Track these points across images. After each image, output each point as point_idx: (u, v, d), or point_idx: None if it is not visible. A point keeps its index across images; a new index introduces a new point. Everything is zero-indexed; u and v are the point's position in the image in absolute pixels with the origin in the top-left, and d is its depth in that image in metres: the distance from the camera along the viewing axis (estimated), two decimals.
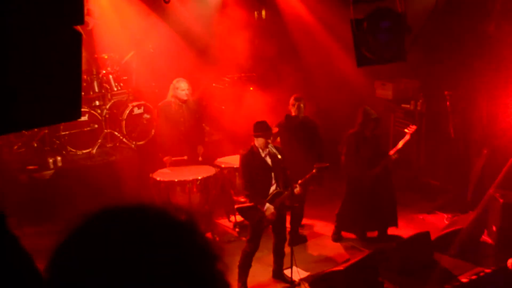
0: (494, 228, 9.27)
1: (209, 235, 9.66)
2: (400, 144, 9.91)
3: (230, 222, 10.43)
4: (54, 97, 4.55)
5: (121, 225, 1.33)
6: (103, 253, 1.28)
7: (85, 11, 11.11)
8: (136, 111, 11.86)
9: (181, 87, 10.09)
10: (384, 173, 9.87)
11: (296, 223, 9.65)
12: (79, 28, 4.77)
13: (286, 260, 8.65)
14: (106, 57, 11.95)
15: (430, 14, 8.82)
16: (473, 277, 7.97)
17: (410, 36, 7.88)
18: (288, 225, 8.47)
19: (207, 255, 1.35)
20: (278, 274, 8.80)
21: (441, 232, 9.66)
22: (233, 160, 9.89)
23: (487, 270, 7.99)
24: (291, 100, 10.00)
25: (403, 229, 10.16)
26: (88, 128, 11.43)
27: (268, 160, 8.47)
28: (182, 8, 12.32)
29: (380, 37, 7.27)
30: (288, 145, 9.68)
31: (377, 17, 7.31)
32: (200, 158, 10.25)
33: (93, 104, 11.66)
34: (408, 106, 12.26)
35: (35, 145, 11.30)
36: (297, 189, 8.40)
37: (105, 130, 11.67)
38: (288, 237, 8.77)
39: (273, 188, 8.45)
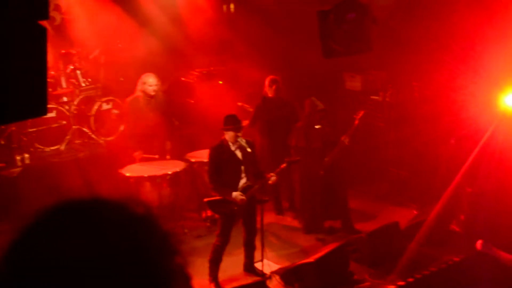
0: (462, 217, 9.40)
1: (179, 229, 9.66)
2: (351, 129, 9.96)
3: (200, 216, 10.44)
4: (19, 94, 4.52)
5: (76, 219, 1.31)
6: (57, 248, 1.26)
7: (52, 6, 11.11)
8: (105, 106, 11.79)
9: (149, 83, 10.08)
10: (334, 161, 9.92)
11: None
12: (44, 23, 4.75)
13: (257, 254, 8.69)
14: (73, 52, 11.86)
15: (396, 5, 8.89)
16: (442, 265, 8.09)
17: (376, 27, 7.94)
18: (258, 218, 8.49)
19: (165, 248, 1.34)
20: (249, 268, 8.83)
21: (410, 222, 9.76)
22: (203, 155, 9.85)
23: (456, 259, 8.11)
24: (267, 82, 10.16)
25: (373, 220, 10.25)
26: (56, 125, 11.35)
27: (238, 153, 8.50)
28: (150, 2, 12.27)
29: (346, 28, 7.33)
30: (267, 126, 9.83)
31: (343, 8, 7.37)
32: (168, 156, 10.24)
33: (61, 100, 11.57)
34: (377, 97, 12.34)
35: (2, 142, 11.17)
36: (273, 178, 8.44)
37: (73, 127, 11.59)
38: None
39: (243, 181, 8.47)
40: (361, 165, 12.26)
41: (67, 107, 11.54)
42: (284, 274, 8.52)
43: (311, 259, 8.40)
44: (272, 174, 8.51)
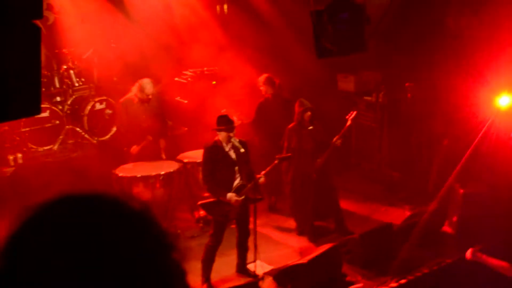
0: (454, 219, 9.40)
1: (172, 230, 9.64)
2: (343, 130, 9.97)
3: (193, 217, 10.42)
4: (13, 93, 4.51)
5: (74, 212, 1.31)
6: (55, 242, 1.26)
7: (45, 6, 11.07)
8: (98, 106, 11.78)
9: (147, 90, 10.03)
10: (326, 162, 9.94)
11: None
12: (38, 22, 4.74)
13: (250, 254, 8.68)
14: (67, 52, 11.84)
15: (389, 5, 8.90)
16: (435, 267, 8.10)
17: (369, 27, 7.95)
18: (251, 219, 8.49)
19: (161, 243, 1.35)
20: (241, 269, 8.82)
21: (403, 223, 9.77)
22: (196, 155, 9.85)
23: (448, 260, 8.13)
24: (264, 80, 10.30)
25: (366, 221, 10.26)
26: (49, 124, 11.31)
27: (232, 154, 8.50)
28: (144, 2, 12.25)
29: (340, 28, 7.33)
30: (270, 125, 10.24)
31: (336, 8, 7.37)
32: (163, 156, 10.24)
33: (54, 100, 11.54)
34: (370, 98, 12.36)
35: None
36: (262, 179, 8.45)
37: (67, 126, 11.57)
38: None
39: (237, 181, 8.47)
40: (353, 165, 12.29)
41: (60, 107, 11.52)
42: (277, 275, 8.51)
43: (304, 260, 8.40)
44: (262, 173, 8.51)
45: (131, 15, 12.40)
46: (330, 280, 8.47)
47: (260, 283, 8.40)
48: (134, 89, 10.11)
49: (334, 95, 12.91)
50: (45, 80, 10.92)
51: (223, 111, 10.09)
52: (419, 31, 11.13)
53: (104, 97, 11.88)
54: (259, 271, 8.63)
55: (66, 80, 11.74)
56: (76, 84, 11.88)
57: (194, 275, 8.20)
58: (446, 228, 9.57)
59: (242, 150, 8.43)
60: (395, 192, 11.44)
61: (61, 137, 11.45)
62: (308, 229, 9.94)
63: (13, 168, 10.61)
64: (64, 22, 11.92)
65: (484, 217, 8.90)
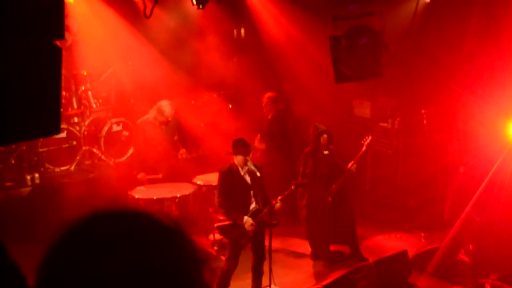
0: (470, 247, 9.28)
1: None
2: (358, 155, 9.92)
3: (208, 240, 10.34)
4: (34, 112, 4.49)
5: (110, 228, 1.35)
6: (93, 255, 1.29)
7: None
8: (115, 128, 11.80)
9: (167, 113, 10.06)
10: (341, 187, 9.86)
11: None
12: (58, 43, 4.73)
13: (265, 279, 8.58)
14: (85, 73, 11.89)
15: (407, 32, 8.88)
16: None
17: (387, 53, 7.93)
18: (266, 243, 8.40)
19: (195, 259, 1.38)
20: None
21: (419, 251, 9.67)
22: (212, 178, 9.82)
23: None
24: (268, 100, 10.76)
25: (381, 248, 10.14)
26: (67, 145, 11.35)
27: (247, 178, 8.44)
28: (161, 24, 12.29)
29: (358, 53, 7.31)
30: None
31: (355, 34, 7.36)
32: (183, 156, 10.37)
33: (72, 121, 11.58)
34: (386, 124, 12.29)
35: (13, 161, 11.17)
36: (278, 205, 8.37)
37: (84, 147, 11.58)
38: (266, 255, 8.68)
39: (252, 206, 8.41)
40: (369, 192, 12.19)
41: (77, 128, 11.54)
42: None
43: (318, 286, 8.31)
44: (278, 199, 8.43)
45: (150, 37, 12.44)
46: None
47: None
48: (153, 112, 10.11)
49: (350, 121, 12.86)
50: (63, 101, 10.97)
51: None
52: (436, 58, 11.08)
53: (122, 119, 11.91)
54: None
55: (84, 101, 11.78)
56: (94, 106, 11.92)
57: None
58: (462, 257, 9.45)
59: (258, 174, 8.37)
60: (410, 219, 11.32)
61: (78, 157, 11.46)
62: (324, 254, 9.84)
63: (30, 188, 10.60)
64: (82, 44, 11.97)
65: (500, 246, 8.79)
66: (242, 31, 14.04)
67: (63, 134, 11.08)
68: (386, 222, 11.12)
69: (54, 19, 4.42)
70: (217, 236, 9.64)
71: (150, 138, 10.08)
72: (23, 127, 4.48)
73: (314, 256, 9.97)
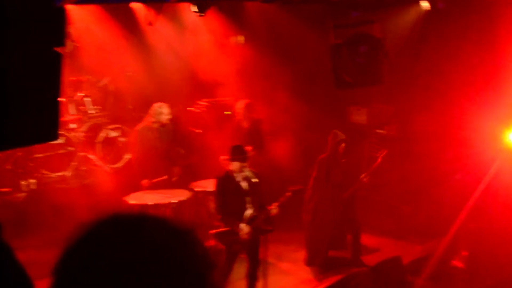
0: (465, 253, 9.37)
1: None
2: (372, 167, 10.02)
3: None
4: (33, 118, 4.57)
5: (126, 232, 1.40)
6: (108, 258, 1.34)
7: None
8: (112, 134, 11.86)
9: (165, 113, 10.13)
10: (351, 197, 9.95)
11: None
12: (60, 49, 4.82)
13: (259, 285, 8.64)
14: (83, 79, 11.96)
15: (406, 40, 8.99)
16: None
17: (387, 61, 8.03)
18: (262, 249, 8.48)
19: (206, 263, 1.43)
20: None
21: (413, 257, 9.74)
22: (208, 184, 9.89)
23: None
24: (245, 106, 10.75)
25: (375, 254, 10.22)
26: (63, 151, 11.39)
27: (244, 184, 8.52)
28: (160, 32, 12.38)
29: (358, 61, 7.41)
30: None
31: (356, 41, 7.46)
32: (174, 178, 10.30)
33: (69, 127, 11.63)
34: (382, 131, 12.38)
35: (8, 167, 11.17)
36: (274, 211, 8.45)
37: (80, 153, 11.63)
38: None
39: (248, 212, 8.49)
40: (365, 198, 12.25)
41: (74, 134, 11.60)
42: None
43: None
44: (273, 205, 8.51)
45: (148, 44, 12.52)
46: None
47: None
48: (151, 115, 10.17)
49: (346, 127, 12.92)
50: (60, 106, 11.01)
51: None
52: (434, 66, 11.19)
53: (119, 125, 11.98)
54: None
55: (81, 107, 11.85)
56: (91, 112, 11.99)
57: None
58: (457, 263, 9.53)
59: (255, 180, 8.46)
60: (405, 225, 11.40)
61: (74, 163, 11.52)
62: (320, 260, 9.90)
63: (25, 194, 10.66)
64: (81, 50, 12.05)
65: (494, 252, 8.88)
66: (241, 38, 14.12)
67: (59, 140, 11.12)
68: (381, 228, 11.19)
69: (56, 26, 4.52)
70: (213, 242, 9.69)
71: (151, 143, 10.16)
72: (22, 133, 4.56)
73: (310, 261, 10.03)
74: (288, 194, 8.61)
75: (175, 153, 10.64)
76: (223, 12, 12.56)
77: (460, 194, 10.42)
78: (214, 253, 9.85)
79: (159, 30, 12.22)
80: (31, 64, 4.45)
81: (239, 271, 8.72)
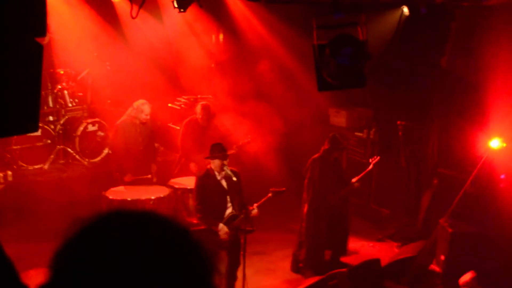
0: (442, 257, 9.30)
1: None
2: (363, 173, 9.93)
3: None
4: (13, 109, 4.40)
5: (128, 227, 1.36)
6: (108, 255, 1.30)
7: None
8: (90, 128, 11.68)
9: (145, 111, 9.98)
10: (343, 200, 9.84)
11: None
12: (40, 40, 4.64)
13: (238, 284, 8.52)
14: (62, 72, 11.77)
15: (388, 44, 8.91)
16: None
17: (369, 63, 7.93)
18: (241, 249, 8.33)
19: (208, 262, 1.40)
20: None
21: (391, 260, 9.67)
22: (187, 181, 9.76)
23: None
24: (204, 109, 10.60)
25: (354, 256, 10.14)
26: (41, 143, 11.19)
27: (224, 183, 8.39)
28: (140, 26, 12.20)
29: (341, 63, 7.29)
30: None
31: (339, 43, 7.34)
32: (154, 179, 10.14)
33: (47, 119, 11.44)
34: (361, 134, 12.31)
35: None
36: (254, 211, 8.31)
37: (58, 146, 11.44)
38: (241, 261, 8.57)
39: (228, 211, 8.34)
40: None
41: (52, 127, 11.41)
42: None
43: None
44: (254, 205, 8.37)
45: (128, 38, 12.36)
46: None
47: None
48: (132, 112, 10.01)
49: (326, 129, 12.85)
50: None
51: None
52: (414, 70, 11.14)
53: (97, 119, 11.80)
54: None
55: (59, 100, 11.65)
56: (70, 105, 11.79)
57: None
58: (434, 267, 9.47)
59: (235, 179, 8.32)
60: (384, 229, 11.34)
61: (52, 156, 11.32)
62: (315, 263, 9.68)
63: (2, 186, 10.44)
64: (59, 42, 11.83)
65: (472, 257, 8.83)
66: (221, 36, 13.99)
67: (37, 132, 10.89)
68: (359, 231, 11.10)
69: (36, 16, 4.34)
70: None
71: (131, 138, 10.00)
72: (1, 123, 4.38)
73: (306, 263, 9.76)
74: (269, 195, 8.46)
75: (153, 148, 10.43)
76: (204, 8, 12.37)
77: (438, 198, 10.39)
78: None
79: (139, 25, 12.04)
80: (12, 54, 4.27)
81: (218, 270, 8.56)
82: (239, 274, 8.46)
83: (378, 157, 10.16)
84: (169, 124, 12.27)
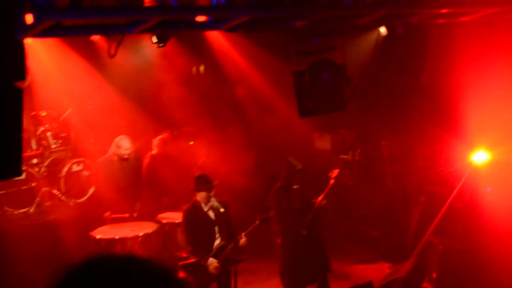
0: (434, 275, 9.37)
1: None
2: (326, 189, 9.88)
3: None
4: None
5: (111, 274, 1.38)
6: None
7: None
8: (75, 168, 11.68)
9: (124, 147, 10.05)
10: (313, 221, 9.79)
11: None
12: (20, 84, 4.73)
13: None
14: (44, 114, 11.80)
15: (368, 66, 9.05)
16: None
17: (350, 87, 8.07)
18: (232, 280, 8.33)
19: None
20: None
21: (383, 281, 9.69)
22: (175, 216, 9.78)
23: None
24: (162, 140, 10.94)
25: (345, 279, 10.17)
26: (26, 187, 11.18)
27: (211, 214, 8.44)
28: (121, 64, 12.28)
29: (321, 88, 7.42)
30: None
31: (318, 68, 7.48)
32: (135, 214, 10.16)
33: (31, 162, 11.43)
34: (347, 156, 12.42)
35: None
36: (243, 240, 8.34)
37: (43, 189, 11.43)
38: None
39: (217, 242, 8.38)
40: (332, 224, 12.25)
41: (37, 169, 11.42)
42: None
43: None
44: (243, 234, 8.42)
45: (109, 76, 12.43)
46: None
47: None
48: (112, 148, 10.09)
49: (311, 153, 12.95)
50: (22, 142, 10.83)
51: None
52: (395, 90, 11.29)
53: (82, 159, 11.81)
54: None
55: (43, 142, 11.68)
56: (53, 146, 11.81)
57: None
58: (426, 285, 9.52)
59: (222, 210, 8.39)
60: (374, 250, 11.40)
61: (37, 199, 11.31)
62: None
63: None
64: (40, 84, 11.89)
65: (463, 273, 8.90)
66: (202, 68, 14.12)
67: (22, 176, 10.90)
68: (350, 254, 11.17)
69: (15, 61, 4.44)
70: (181, 274, 9.53)
71: (113, 176, 10.04)
72: None
73: None
74: (257, 222, 8.51)
75: (138, 186, 10.48)
76: (184, 42, 12.51)
77: (427, 216, 10.45)
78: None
79: (120, 62, 12.08)
80: None
81: None
82: None
83: (338, 170, 10.09)
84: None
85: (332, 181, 9.83)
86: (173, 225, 9.81)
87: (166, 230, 9.94)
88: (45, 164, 11.57)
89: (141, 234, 9.32)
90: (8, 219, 10.89)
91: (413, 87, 11.12)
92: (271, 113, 12.57)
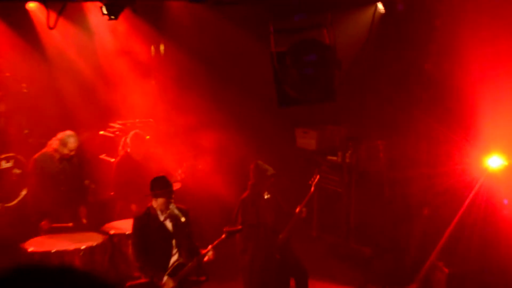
0: None
1: None
2: (306, 198, 9.79)
3: None
4: None
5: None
6: None
7: None
8: (4, 165, 11.59)
9: (70, 146, 9.88)
10: (289, 239, 9.66)
11: None
12: None
13: None
14: None
15: (362, 49, 8.94)
16: None
17: (340, 73, 7.92)
18: None
19: None
20: None
21: None
22: (125, 226, 9.59)
23: None
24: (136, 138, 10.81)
25: None
26: None
27: (169, 224, 8.32)
28: (62, 38, 12.10)
29: (305, 72, 7.27)
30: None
31: (302, 49, 7.33)
32: (84, 220, 9.98)
33: None
34: (335, 158, 12.30)
35: None
36: (209, 254, 8.20)
37: None
38: None
39: (174, 258, 8.23)
40: (316, 239, 12.13)
41: None
42: None
43: None
44: (209, 247, 8.25)
45: (49, 55, 12.23)
46: None
47: None
48: (54, 144, 9.89)
49: (292, 154, 12.85)
50: None
51: None
52: (394, 78, 11.19)
53: (12, 154, 11.66)
54: None
55: None
56: None
57: None
58: None
59: (183, 219, 8.21)
60: (365, 272, 11.29)
61: None
62: None
63: None
64: None
65: None
66: (162, 47, 13.93)
67: None
68: (336, 276, 11.07)
69: None
70: None
71: (51, 176, 9.89)
72: None
73: None
74: (223, 236, 8.34)
75: (82, 188, 10.30)
76: (140, 16, 12.34)
77: (430, 232, 10.37)
78: None
79: (61, 36, 11.92)
80: None
81: None
82: None
83: (318, 176, 10.00)
84: (101, 156, 12.10)
85: (312, 189, 9.78)
86: (122, 236, 9.66)
87: (114, 242, 9.77)
88: None
89: (83, 247, 9.17)
90: None
91: (415, 76, 11.05)
92: (246, 104, 12.42)
